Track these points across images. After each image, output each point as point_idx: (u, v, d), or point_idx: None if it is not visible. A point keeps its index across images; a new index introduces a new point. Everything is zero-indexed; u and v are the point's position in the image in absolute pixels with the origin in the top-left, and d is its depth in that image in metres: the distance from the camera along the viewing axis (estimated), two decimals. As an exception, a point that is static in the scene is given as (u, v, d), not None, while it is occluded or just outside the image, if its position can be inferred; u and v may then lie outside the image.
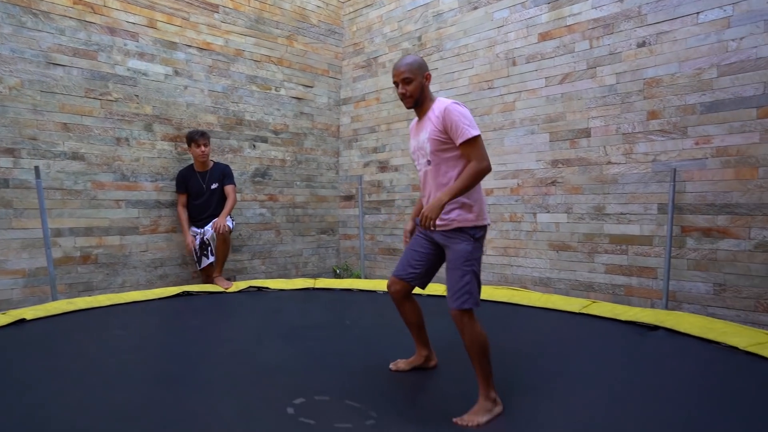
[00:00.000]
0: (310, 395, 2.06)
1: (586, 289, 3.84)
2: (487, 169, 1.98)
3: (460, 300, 1.96)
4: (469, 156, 1.99)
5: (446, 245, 2.09)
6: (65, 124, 3.83)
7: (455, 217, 2.03)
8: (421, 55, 4.86)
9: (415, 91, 2.09)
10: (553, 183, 4.02)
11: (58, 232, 3.80)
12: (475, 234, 2.04)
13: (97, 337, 2.87)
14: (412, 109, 2.16)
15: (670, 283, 3.38)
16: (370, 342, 2.90)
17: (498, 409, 1.92)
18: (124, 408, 1.92)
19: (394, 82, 2.13)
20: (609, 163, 3.71)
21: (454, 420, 1.86)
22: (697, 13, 3.29)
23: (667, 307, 3.34)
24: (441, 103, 2.06)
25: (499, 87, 4.34)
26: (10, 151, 3.58)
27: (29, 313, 3.11)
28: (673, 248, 3.38)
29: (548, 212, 4.06)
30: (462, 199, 2.02)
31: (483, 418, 1.86)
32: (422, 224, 1.94)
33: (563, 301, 3.58)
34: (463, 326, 1.97)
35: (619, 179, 3.67)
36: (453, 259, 2.04)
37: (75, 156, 3.88)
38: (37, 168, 3.51)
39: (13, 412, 1.85)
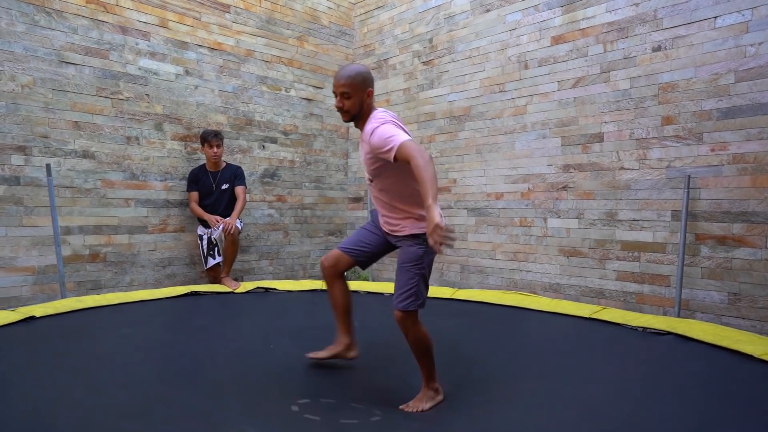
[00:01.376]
0: (316, 396, 2.05)
1: (597, 296, 3.79)
2: (429, 157, 1.80)
3: (406, 301, 1.99)
4: (406, 159, 1.82)
5: (399, 245, 2.13)
6: (76, 122, 3.84)
7: (408, 225, 2.06)
8: (432, 58, 4.84)
9: (352, 108, 1.99)
10: (565, 188, 3.98)
11: (68, 230, 3.81)
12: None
13: (105, 335, 2.87)
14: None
15: (684, 292, 3.32)
16: (377, 343, 2.87)
17: (439, 397, 2.07)
18: (129, 407, 1.91)
19: (333, 92, 2.03)
20: (622, 168, 3.66)
21: (401, 407, 1.99)
22: (715, 17, 3.24)
23: (679, 316, 3.29)
24: (370, 124, 1.98)
25: (510, 90, 4.30)
26: (21, 149, 3.60)
27: (39, 310, 3.11)
28: (686, 256, 3.33)
29: (559, 217, 4.02)
30: (417, 212, 2.03)
31: (426, 405, 2.01)
32: (435, 249, 1.69)
33: (573, 306, 3.53)
34: (407, 328, 2.00)
35: (632, 185, 3.62)
36: (404, 260, 2.05)
37: (86, 154, 3.89)
38: (48, 166, 3.52)
39: (19, 409, 1.84)
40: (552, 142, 4.05)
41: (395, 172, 1.99)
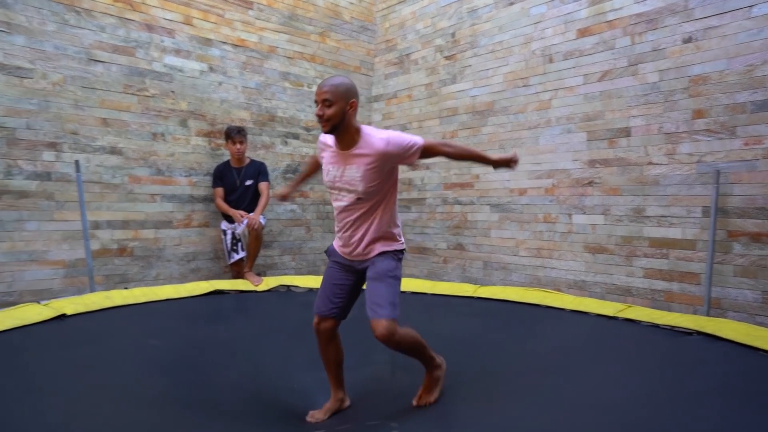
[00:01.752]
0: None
1: (624, 294, 3.72)
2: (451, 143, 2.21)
3: (389, 309, 1.91)
4: (435, 152, 2.06)
5: (368, 266, 2.05)
6: (104, 119, 3.92)
7: (379, 245, 2.04)
8: (455, 52, 4.80)
9: (334, 117, 1.90)
10: (590, 183, 3.90)
11: (96, 225, 3.89)
12: (398, 255, 2.07)
13: (130, 336, 2.87)
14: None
15: (714, 290, 3.23)
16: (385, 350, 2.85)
17: (442, 369, 2.12)
18: (151, 411, 1.91)
19: (315, 100, 1.95)
20: (650, 163, 3.58)
21: (413, 402, 2.02)
22: (750, 6, 3.13)
23: (708, 314, 3.20)
24: (371, 138, 1.94)
25: (534, 84, 4.24)
26: (53, 145, 3.68)
27: (69, 307, 3.17)
28: (718, 253, 3.23)
29: (584, 213, 3.95)
30: (392, 231, 2.05)
31: (435, 395, 2.06)
32: (511, 164, 2.21)
33: (597, 304, 3.47)
34: (396, 338, 1.91)
35: (660, 180, 3.53)
36: (380, 271, 2.00)
37: (113, 150, 3.97)
38: (77, 162, 3.60)
39: (45, 420, 1.86)
40: (577, 136, 3.97)
41: (389, 187, 2.00)
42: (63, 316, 3.04)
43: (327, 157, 2.05)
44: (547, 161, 4.15)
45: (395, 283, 1.99)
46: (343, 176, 1.98)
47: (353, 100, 1.94)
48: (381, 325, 1.88)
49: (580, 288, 3.96)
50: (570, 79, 4.00)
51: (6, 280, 3.52)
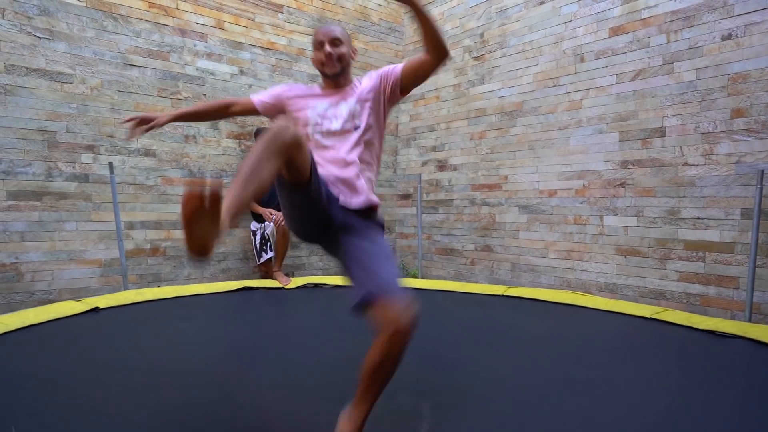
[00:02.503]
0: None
1: (657, 297, 3.63)
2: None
3: (407, 293, 1.44)
4: (419, 59, 1.75)
5: (349, 224, 1.66)
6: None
7: (366, 190, 1.75)
8: (483, 53, 4.77)
9: (344, 56, 1.83)
10: (623, 185, 3.83)
11: (131, 225, 4.00)
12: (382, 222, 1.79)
13: (162, 328, 2.97)
14: (336, 79, 1.86)
15: (756, 295, 3.13)
16: (424, 340, 2.85)
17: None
18: (181, 401, 1.96)
19: (319, 41, 1.83)
20: (686, 164, 3.48)
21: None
22: (793, 1, 3.03)
23: (750, 320, 3.09)
24: (358, 77, 1.91)
25: (565, 84, 4.17)
26: (90, 148, 3.80)
27: (102, 302, 3.28)
28: (759, 257, 3.13)
29: (616, 215, 3.87)
30: (373, 174, 1.83)
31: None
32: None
33: (632, 306, 3.40)
34: (412, 330, 1.39)
35: (696, 182, 3.43)
36: (378, 245, 1.64)
37: (147, 153, 4.07)
38: (110, 164, 3.70)
39: (74, 403, 1.92)
40: (609, 137, 3.90)
41: (382, 120, 1.88)
42: (96, 309, 3.14)
43: (305, 99, 1.89)
44: (578, 162, 4.09)
45: (393, 261, 1.66)
46: (337, 108, 1.82)
47: (354, 48, 1.95)
48: (406, 318, 1.37)
49: (611, 291, 3.89)
50: (602, 78, 3.93)
51: (46, 278, 3.65)
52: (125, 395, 1.98)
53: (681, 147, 3.51)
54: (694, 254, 3.45)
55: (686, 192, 3.49)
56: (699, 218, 3.43)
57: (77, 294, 3.70)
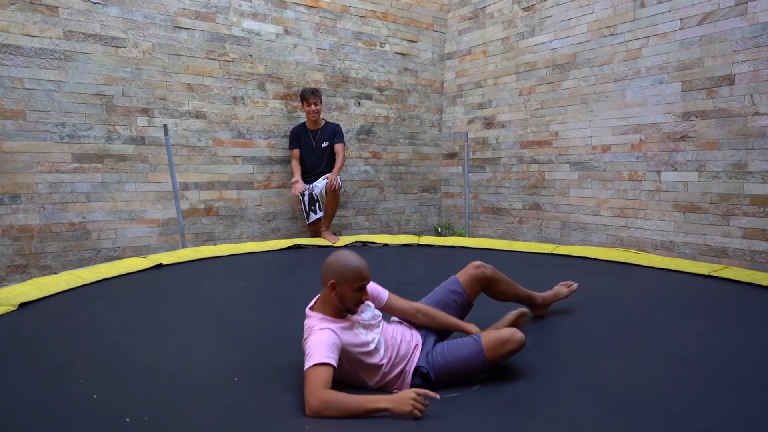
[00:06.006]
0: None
1: (718, 255, 3.49)
2: None
3: None
4: None
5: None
6: (189, 84, 4.10)
7: None
8: (534, 2, 4.55)
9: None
10: (683, 138, 3.63)
11: (185, 186, 4.14)
12: None
13: (221, 284, 3.09)
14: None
15: (827, 251, 2.96)
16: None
17: None
18: (239, 359, 2.01)
19: (360, 285, 1.80)
20: (756, 114, 3.26)
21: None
22: None
23: (820, 278, 2.93)
24: None
25: (622, 33, 3.95)
26: (145, 111, 3.92)
27: (165, 258, 3.44)
28: (833, 211, 2.94)
29: (675, 170, 3.69)
30: None
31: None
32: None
33: (689, 264, 3.28)
34: None
35: (767, 132, 3.22)
36: None
37: (198, 115, 4.16)
38: (165, 126, 3.80)
39: (145, 355, 2.02)
40: (670, 87, 3.69)
41: None
42: (160, 266, 3.30)
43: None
44: (635, 115, 3.90)
45: None
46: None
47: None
48: None
49: (668, 249, 3.76)
50: (664, 24, 3.69)
51: (111, 237, 3.85)
52: (196, 349, 2.08)
53: (752, 95, 3.28)
54: (762, 209, 3.27)
55: (755, 144, 3.28)
56: (768, 171, 3.24)
57: (139, 251, 3.90)
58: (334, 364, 1.62)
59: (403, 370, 1.83)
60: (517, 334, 1.80)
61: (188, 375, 1.83)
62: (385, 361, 1.80)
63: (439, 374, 1.81)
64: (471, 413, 1.56)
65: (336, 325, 1.74)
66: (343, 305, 1.78)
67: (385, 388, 1.81)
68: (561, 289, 2.47)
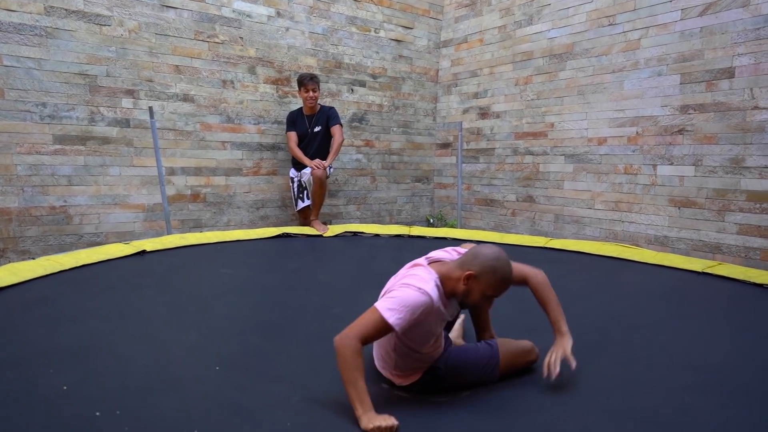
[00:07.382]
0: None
1: (712, 251, 3.45)
2: None
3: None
4: None
5: None
6: (177, 66, 3.97)
7: None
8: (533, -10, 4.45)
9: None
10: (681, 131, 3.58)
11: (172, 171, 4.02)
12: None
13: (206, 273, 3.01)
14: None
15: (823, 249, 2.92)
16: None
17: None
18: (222, 348, 1.96)
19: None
20: (756, 108, 3.21)
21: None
22: None
23: (815, 276, 2.90)
24: None
25: (622, 23, 3.87)
26: (130, 92, 3.79)
27: (149, 245, 3.35)
28: (830, 208, 2.90)
29: (671, 164, 3.64)
30: None
31: None
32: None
33: (682, 260, 3.24)
34: None
35: (766, 127, 3.17)
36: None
37: (186, 98, 4.04)
38: (150, 108, 3.68)
39: (126, 342, 1.96)
40: (669, 80, 3.62)
41: None
42: (143, 252, 3.20)
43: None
44: (632, 107, 3.84)
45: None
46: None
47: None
48: None
49: (661, 244, 3.72)
50: (664, 14, 3.61)
51: (93, 222, 3.74)
52: (176, 338, 2.01)
53: (752, 89, 3.22)
54: (758, 206, 3.23)
55: (753, 138, 3.23)
56: (766, 167, 3.19)
57: (122, 237, 3.79)
58: (398, 331, 1.49)
59: (422, 366, 1.70)
60: (536, 349, 1.80)
61: (166, 365, 1.75)
62: (425, 352, 1.67)
63: (446, 377, 1.71)
64: (459, 420, 1.49)
65: (438, 303, 1.56)
66: (460, 296, 1.59)
67: (399, 369, 1.68)
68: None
